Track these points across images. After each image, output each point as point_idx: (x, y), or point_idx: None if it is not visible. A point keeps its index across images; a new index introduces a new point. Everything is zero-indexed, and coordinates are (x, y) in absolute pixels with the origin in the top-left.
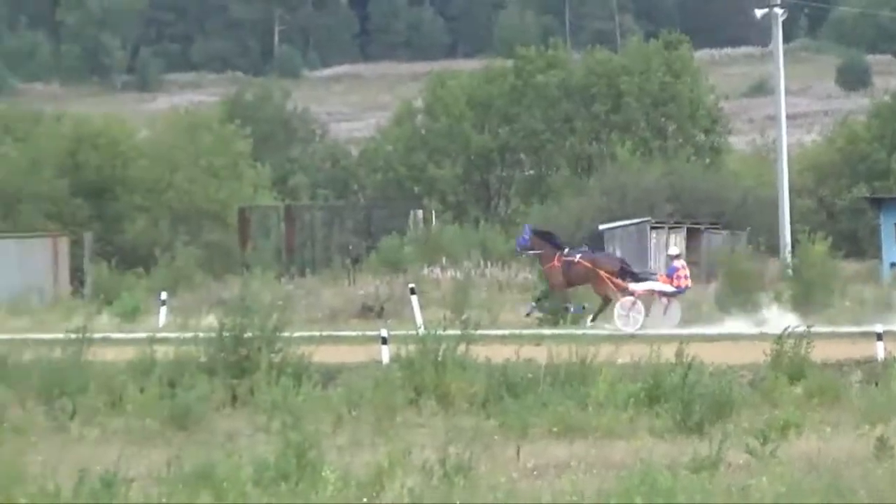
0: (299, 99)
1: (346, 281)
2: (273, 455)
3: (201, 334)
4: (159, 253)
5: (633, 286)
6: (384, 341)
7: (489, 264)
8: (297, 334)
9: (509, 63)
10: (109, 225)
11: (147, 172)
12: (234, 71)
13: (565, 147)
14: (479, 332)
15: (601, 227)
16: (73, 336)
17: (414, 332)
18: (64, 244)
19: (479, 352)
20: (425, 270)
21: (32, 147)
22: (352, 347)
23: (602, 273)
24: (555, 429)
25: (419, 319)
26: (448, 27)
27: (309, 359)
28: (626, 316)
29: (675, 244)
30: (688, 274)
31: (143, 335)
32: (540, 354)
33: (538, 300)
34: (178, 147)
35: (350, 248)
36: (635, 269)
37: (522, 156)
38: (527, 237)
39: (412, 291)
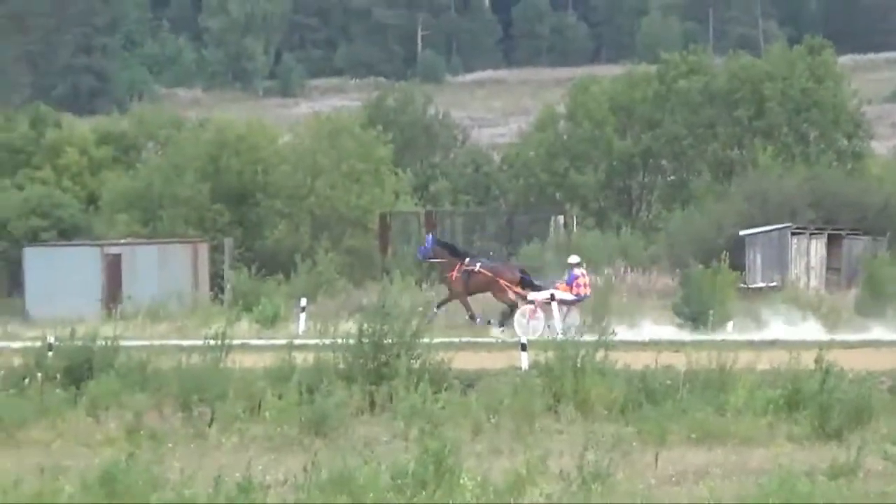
0: (441, 104)
1: None
2: (411, 462)
3: (340, 341)
4: (299, 259)
5: (532, 295)
6: (523, 347)
7: (630, 270)
8: (436, 340)
9: (652, 68)
10: (250, 230)
11: (288, 178)
12: (376, 76)
13: (707, 152)
14: (618, 338)
15: (742, 232)
16: (212, 342)
17: (553, 339)
18: (204, 250)
19: (619, 358)
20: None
21: (174, 152)
22: (491, 354)
23: (502, 282)
24: (693, 435)
25: (558, 326)
26: (591, 32)
27: (448, 365)
28: (525, 323)
29: (577, 254)
30: (587, 282)
31: (282, 342)
32: (679, 361)
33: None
34: (320, 152)
35: (491, 253)
36: (535, 279)
37: (664, 161)
38: (428, 246)
39: (552, 298)
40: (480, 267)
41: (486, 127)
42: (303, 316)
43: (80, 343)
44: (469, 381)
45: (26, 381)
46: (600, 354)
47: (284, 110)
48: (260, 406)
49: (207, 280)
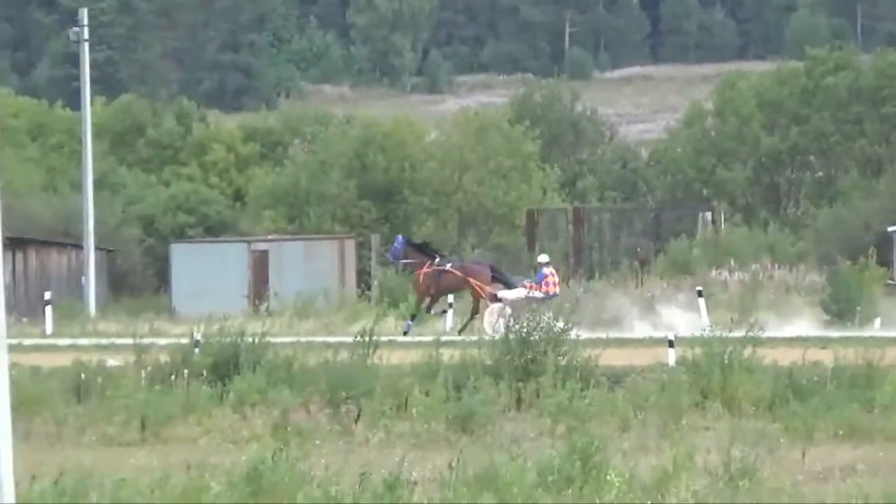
0: (589, 100)
1: (633, 283)
2: (558, 459)
3: (487, 337)
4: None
5: (502, 293)
6: (671, 344)
7: (777, 267)
8: (583, 337)
9: (799, 65)
10: (397, 227)
11: (435, 174)
12: (523, 73)
13: (855, 149)
14: (765, 334)
15: (889, 229)
16: (359, 339)
17: (700, 335)
18: (351, 246)
19: (766, 354)
20: (713, 273)
21: (321, 149)
22: (638, 350)
23: (473, 281)
24: (840, 432)
25: (706, 321)
26: (739, 29)
27: (595, 362)
28: (495, 321)
29: (545, 252)
30: (557, 281)
31: (428, 338)
32: (826, 357)
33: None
34: (467, 149)
35: (638, 250)
36: (506, 277)
37: (812, 158)
38: (398, 247)
39: (699, 294)
40: (450, 266)
41: (634, 123)
42: (450, 312)
43: (226, 340)
44: (616, 378)
45: (173, 377)
46: (748, 351)
47: (431, 107)
48: (407, 403)
49: (354, 276)
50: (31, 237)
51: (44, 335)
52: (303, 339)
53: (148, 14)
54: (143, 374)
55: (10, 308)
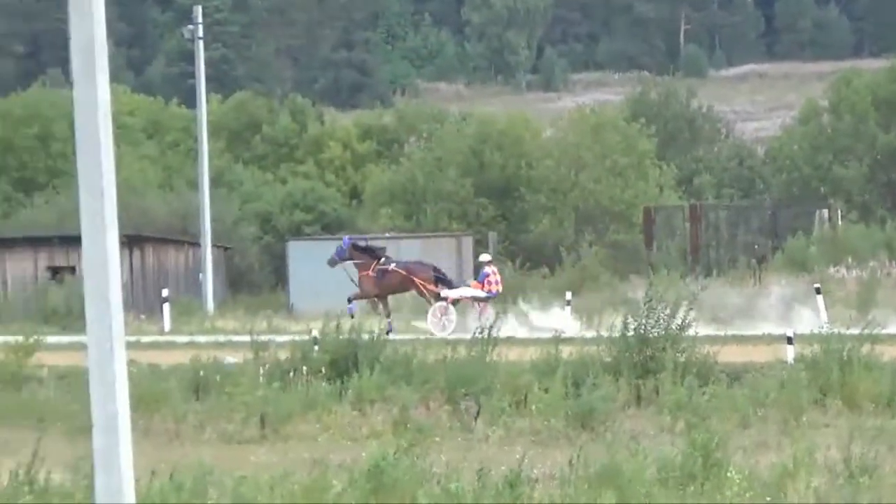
0: (704, 98)
1: (751, 281)
2: (678, 455)
3: (605, 334)
4: (564, 253)
5: (445, 292)
6: (789, 341)
7: (895, 264)
8: (701, 334)
9: None
10: (514, 224)
11: (552, 172)
12: (639, 70)
13: None
14: (884, 331)
15: None
16: (478, 336)
17: (819, 332)
18: (468, 243)
19: (884, 351)
20: (831, 270)
21: (437, 147)
22: (757, 347)
23: (416, 280)
24: None
25: (824, 318)
26: (853, 27)
27: (714, 358)
28: (438, 320)
29: (487, 251)
30: (499, 279)
31: (546, 335)
32: None
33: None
34: (583, 146)
35: (756, 247)
36: (447, 277)
37: None
38: (344, 248)
39: (818, 291)
40: (394, 266)
41: (750, 121)
42: (567, 309)
43: (345, 337)
44: (735, 375)
45: (291, 374)
46: (866, 348)
47: (546, 104)
48: (526, 399)
49: (472, 274)
50: (148, 235)
51: (162, 332)
52: (421, 337)
53: (262, 12)
54: (262, 371)
55: (128, 306)
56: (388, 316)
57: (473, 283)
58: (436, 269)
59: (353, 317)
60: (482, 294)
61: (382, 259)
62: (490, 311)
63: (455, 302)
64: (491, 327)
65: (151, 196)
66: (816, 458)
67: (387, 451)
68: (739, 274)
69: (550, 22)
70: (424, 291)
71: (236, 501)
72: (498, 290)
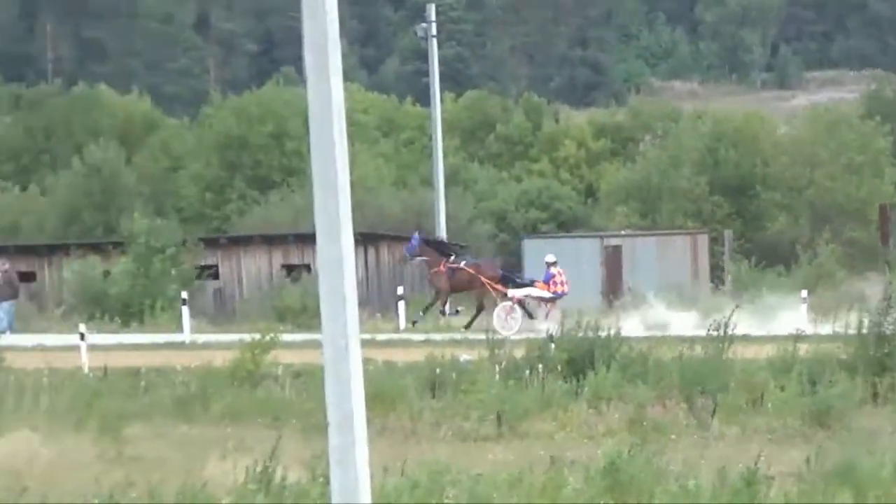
0: None
1: None
2: None
3: (842, 332)
4: (800, 250)
5: (511, 292)
6: None
7: None
8: None
9: None
10: (749, 222)
11: (787, 170)
12: (873, 68)
13: None
14: None
15: None
16: (714, 334)
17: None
18: (703, 241)
19: None
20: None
21: (672, 145)
22: None
23: (484, 279)
24: None
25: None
26: None
27: None
28: (504, 320)
29: (553, 252)
30: (564, 280)
31: (782, 333)
32: None
33: (425, 309)
34: (819, 144)
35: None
36: (516, 277)
37: None
38: (415, 244)
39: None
40: (464, 264)
41: None
42: (803, 307)
43: (582, 335)
44: None
45: (528, 373)
46: None
47: (781, 103)
48: (762, 397)
49: (707, 271)
50: (382, 232)
51: (397, 330)
52: (657, 334)
53: (496, 10)
54: (497, 369)
55: (364, 303)
56: (442, 307)
57: (540, 283)
58: (504, 269)
59: (457, 313)
60: (548, 295)
61: (452, 256)
62: (557, 312)
63: (521, 302)
64: (726, 325)
65: (386, 194)
66: None
67: (622, 448)
68: None
69: (784, 20)
70: (491, 290)
71: (472, 500)
72: (564, 291)
